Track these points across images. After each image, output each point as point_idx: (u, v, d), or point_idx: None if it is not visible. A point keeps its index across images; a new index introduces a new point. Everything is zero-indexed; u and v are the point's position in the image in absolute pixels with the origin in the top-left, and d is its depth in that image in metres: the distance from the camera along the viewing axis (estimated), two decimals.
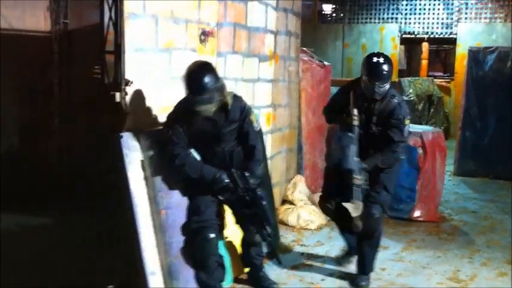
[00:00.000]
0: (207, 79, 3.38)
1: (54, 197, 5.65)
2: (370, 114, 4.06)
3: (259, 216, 3.55)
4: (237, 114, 3.61)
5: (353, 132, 3.99)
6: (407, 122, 4.01)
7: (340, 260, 4.65)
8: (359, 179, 3.97)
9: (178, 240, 3.58)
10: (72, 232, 4.44)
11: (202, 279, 3.62)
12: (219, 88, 3.44)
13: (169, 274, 3.53)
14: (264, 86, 5.47)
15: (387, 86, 3.96)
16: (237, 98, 3.66)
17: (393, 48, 13.62)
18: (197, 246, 3.54)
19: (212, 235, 3.55)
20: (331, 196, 4.33)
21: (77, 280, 3.93)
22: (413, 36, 13.71)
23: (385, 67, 3.92)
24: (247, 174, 3.53)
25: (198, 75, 3.39)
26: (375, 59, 3.95)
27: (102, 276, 3.65)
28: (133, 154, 3.47)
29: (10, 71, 5.65)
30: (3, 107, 5.90)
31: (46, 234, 5.07)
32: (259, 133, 3.86)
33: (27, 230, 5.24)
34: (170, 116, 3.57)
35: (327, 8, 14.55)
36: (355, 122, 4.01)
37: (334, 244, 5.14)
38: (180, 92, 4.04)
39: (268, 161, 5.35)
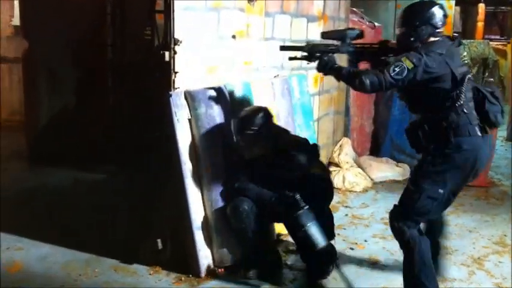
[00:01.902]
0: (249, 121, 3.53)
1: (108, 155, 5.85)
2: None
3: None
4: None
5: None
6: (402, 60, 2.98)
7: None
8: None
9: (223, 197, 3.66)
10: (124, 188, 4.61)
11: None
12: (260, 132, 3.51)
13: (214, 229, 3.64)
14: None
15: None
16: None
17: (448, 9, 13.16)
18: (231, 210, 3.59)
19: (245, 207, 3.54)
20: None
21: (127, 234, 4.10)
22: None
23: None
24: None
25: (244, 117, 3.57)
26: None
27: (151, 230, 3.79)
28: (182, 112, 3.55)
29: (65, 33, 5.80)
30: (60, 68, 6.08)
31: (99, 189, 5.28)
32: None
33: (82, 185, 5.47)
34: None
35: None
36: None
37: (379, 206, 5.16)
38: (227, 52, 4.09)
39: (316, 123, 5.36)
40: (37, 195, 5.18)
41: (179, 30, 3.59)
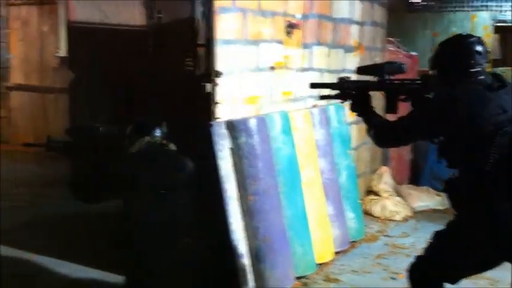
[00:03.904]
0: None
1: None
2: None
3: None
4: None
5: None
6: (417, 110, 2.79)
7: None
8: None
9: (264, 225, 3.72)
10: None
11: None
12: None
13: (255, 257, 3.68)
14: (352, 78, 5.49)
15: None
16: None
17: (486, 37, 13.07)
18: None
19: None
20: None
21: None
22: (508, 24, 13.11)
23: None
24: None
25: None
26: None
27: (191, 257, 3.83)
28: (223, 142, 3.64)
29: (109, 63, 5.98)
30: (103, 98, 6.26)
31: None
32: None
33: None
34: None
35: None
36: None
37: (420, 236, 5.09)
38: (266, 82, 4.19)
39: (353, 152, 5.37)
40: (77, 222, 5.26)
41: (220, 62, 3.70)
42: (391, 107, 2.90)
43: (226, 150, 3.65)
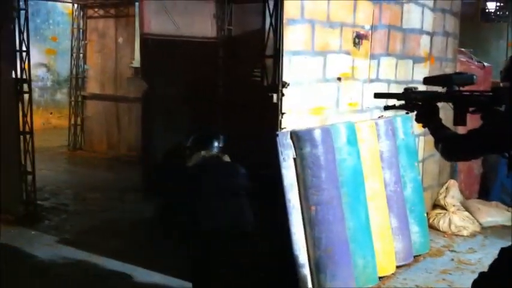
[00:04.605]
0: None
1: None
2: None
3: None
4: None
5: None
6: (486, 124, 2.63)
7: None
8: None
9: (326, 236, 3.73)
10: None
11: None
12: None
13: (316, 267, 3.70)
14: (419, 88, 5.41)
15: None
16: None
17: None
18: None
19: None
20: None
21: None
22: None
23: None
24: None
25: None
26: None
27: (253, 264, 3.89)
28: (288, 152, 3.69)
29: (180, 74, 6.18)
30: (175, 107, 6.48)
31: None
32: None
33: None
34: None
35: (491, 6, 13.74)
36: None
37: (488, 252, 4.95)
38: (332, 93, 4.21)
39: (420, 164, 5.29)
40: (146, 228, 5.44)
41: (287, 73, 3.77)
42: (459, 119, 2.80)
43: (291, 160, 3.70)
